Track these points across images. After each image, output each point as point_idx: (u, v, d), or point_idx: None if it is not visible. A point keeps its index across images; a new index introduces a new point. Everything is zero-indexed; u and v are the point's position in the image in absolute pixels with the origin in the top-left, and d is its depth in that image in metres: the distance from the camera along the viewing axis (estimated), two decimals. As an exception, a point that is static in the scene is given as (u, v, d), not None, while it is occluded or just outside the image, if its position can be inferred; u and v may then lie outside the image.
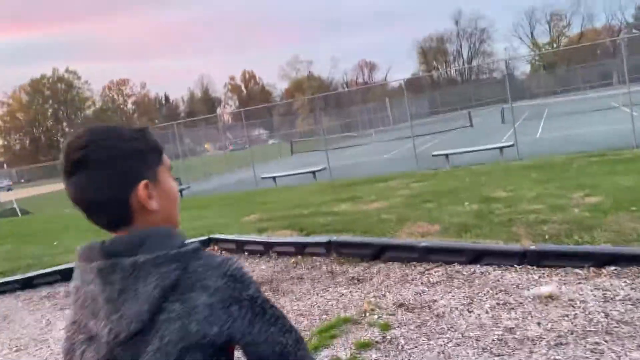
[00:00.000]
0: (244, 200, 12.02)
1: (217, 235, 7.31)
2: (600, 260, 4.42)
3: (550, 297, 4.04)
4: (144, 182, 1.00)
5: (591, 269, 4.41)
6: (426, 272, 5.07)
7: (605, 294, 3.93)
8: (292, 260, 6.14)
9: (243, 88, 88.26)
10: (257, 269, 6.17)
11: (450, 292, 4.51)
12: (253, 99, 78.67)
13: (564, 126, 22.43)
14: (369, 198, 9.09)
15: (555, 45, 63.32)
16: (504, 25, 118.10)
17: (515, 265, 4.78)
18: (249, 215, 9.13)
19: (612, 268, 4.32)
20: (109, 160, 0.98)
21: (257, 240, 6.75)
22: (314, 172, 15.03)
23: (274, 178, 15.54)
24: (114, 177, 0.98)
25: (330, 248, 5.97)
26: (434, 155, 13.86)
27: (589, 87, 49.46)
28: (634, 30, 63.27)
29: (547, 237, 5.03)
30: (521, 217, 5.89)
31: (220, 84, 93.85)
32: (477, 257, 5.03)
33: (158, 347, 0.92)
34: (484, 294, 4.34)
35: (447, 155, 13.52)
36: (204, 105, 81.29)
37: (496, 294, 4.31)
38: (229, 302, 0.96)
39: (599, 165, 9.58)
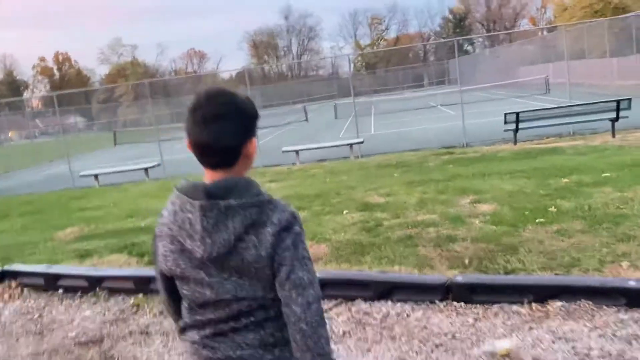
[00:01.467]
0: (56, 206, 9.50)
1: (15, 267, 5.11)
2: (541, 294, 3.52)
3: (509, 356, 2.99)
4: (254, 137, 1.36)
5: (533, 305, 3.49)
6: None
7: (575, 347, 2.99)
8: (132, 301, 4.35)
9: (55, 71, 78.43)
10: (77, 316, 4.26)
11: (369, 352, 3.23)
12: (68, 83, 70.34)
13: (393, 123, 22.99)
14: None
15: (375, 47, 66.97)
16: (330, 25, 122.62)
17: (437, 302, 3.69)
18: (63, 229, 6.92)
19: (559, 304, 3.43)
20: (238, 115, 1.32)
21: (77, 273, 4.78)
22: (146, 169, 12.82)
23: (95, 176, 12.93)
24: (240, 129, 1.32)
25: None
26: (284, 152, 12.64)
27: (406, 87, 53.04)
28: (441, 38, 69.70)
29: (466, 261, 4.04)
30: (419, 231, 4.88)
31: (28, 66, 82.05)
32: (386, 291, 3.85)
33: (239, 265, 1.30)
34: (415, 353, 3.15)
35: (297, 152, 12.42)
36: (8, 89, 70.42)
37: (431, 351, 3.14)
38: (284, 230, 1.29)
39: (456, 164, 9.22)
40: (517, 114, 11.53)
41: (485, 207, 5.47)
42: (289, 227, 1.29)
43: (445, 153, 11.25)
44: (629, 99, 11.00)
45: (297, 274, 1.28)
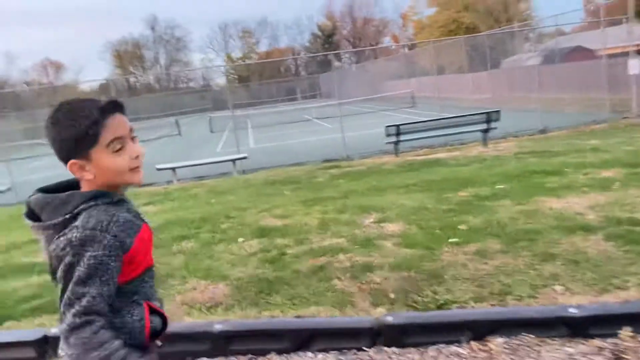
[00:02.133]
0: None
1: None
2: (480, 330, 3.11)
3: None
4: (71, 161, 1.39)
5: (472, 343, 3.07)
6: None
7: (532, 393, 2.60)
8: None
9: None
10: None
11: None
12: None
13: (271, 137, 22.53)
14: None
15: (247, 60, 66.37)
16: (200, 37, 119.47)
17: (365, 349, 3.12)
18: None
19: (500, 340, 3.05)
20: (53, 132, 1.39)
21: None
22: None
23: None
24: (57, 146, 1.40)
25: (45, 350, 3.31)
26: (158, 169, 11.48)
27: (280, 101, 53.09)
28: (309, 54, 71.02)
29: (391, 295, 3.54)
30: (329, 259, 4.31)
31: None
32: (305, 340, 3.21)
33: (61, 268, 1.34)
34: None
35: (174, 169, 11.33)
36: None
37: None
38: (66, 248, 1.33)
39: (346, 179, 8.90)
40: (398, 126, 11.60)
41: (392, 227, 5.06)
42: (72, 246, 1.33)
43: (331, 167, 10.93)
44: (498, 111, 11.57)
45: (69, 294, 1.33)
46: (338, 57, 67.76)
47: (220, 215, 6.56)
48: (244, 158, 11.44)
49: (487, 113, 11.43)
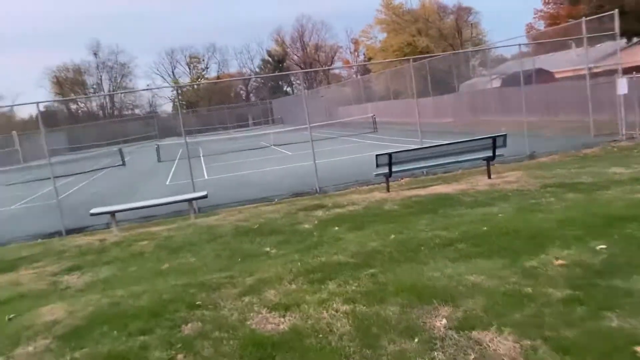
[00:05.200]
0: None
1: None
2: None
3: None
4: None
5: None
6: None
7: None
8: None
9: None
10: None
11: None
12: None
13: (227, 166, 20.04)
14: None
15: (195, 86, 63.43)
16: (145, 62, 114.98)
17: None
18: None
19: None
20: None
21: None
22: None
23: None
24: None
25: None
26: (92, 214, 8.81)
27: (231, 127, 50.49)
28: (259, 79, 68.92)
29: None
30: None
31: None
32: None
33: None
34: None
35: (113, 213, 8.71)
36: None
37: None
38: None
39: (344, 226, 6.64)
40: (390, 155, 9.50)
41: (499, 343, 2.83)
42: None
43: (312, 206, 8.63)
44: (505, 135, 9.70)
45: None
46: (289, 83, 66.11)
47: (179, 302, 4.12)
48: (204, 197, 8.97)
49: (493, 138, 9.52)
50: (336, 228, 6.59)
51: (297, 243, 5.92)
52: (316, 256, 5.02)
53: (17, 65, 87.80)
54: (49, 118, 51.06)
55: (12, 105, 60.12)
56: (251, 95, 65.31)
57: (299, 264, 4.80)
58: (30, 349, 3.50)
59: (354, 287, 3.94)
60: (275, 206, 9.28)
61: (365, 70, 47.73)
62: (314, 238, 6.09)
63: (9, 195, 19.10)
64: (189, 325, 3.60)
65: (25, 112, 60.29)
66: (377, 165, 9.55)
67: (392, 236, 5.53)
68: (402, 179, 11.31)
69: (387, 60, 34.80)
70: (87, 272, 5.84)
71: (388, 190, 9.55)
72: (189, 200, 8.95)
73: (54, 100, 60.62)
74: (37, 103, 11.47)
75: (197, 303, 4.06)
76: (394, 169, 9.64)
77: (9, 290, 5.27)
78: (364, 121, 31.02)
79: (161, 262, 5.80)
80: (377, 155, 9.56)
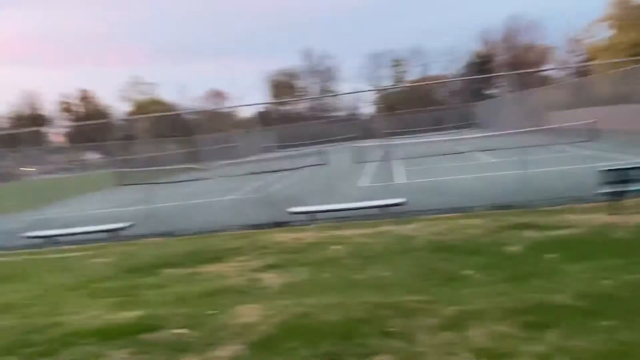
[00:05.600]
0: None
1: None
2: None
3: None
4: None
5: None
6: None
7: None
8: None
9: (78, 108, 77.01)
10: None
11: None
12: (90, 120, 68.62)
13: (423, 170, 19.46)
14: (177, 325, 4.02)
15: (396, 89, 64.07)
16: (351, 67, 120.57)
17: None
18: None
19: None
20: None
21: None
22: (113, 231, 9.37)
23: (48, 237, 9.52)
24: None
25: None
26: (291, 213, 9.12)
27: (429, 131, 49.72)
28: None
29: None
30: None
31: (52, 103, 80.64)
32: None
33: None
34: None
35: (312, 213, 8.88)
36: (33, 124, 68.86)
37: None
38: None
39: (566, 255, 5.61)
40: (623, 171, 7.94)
41: None
42: None
43: (521, 225, 7.60)
44: None
45: None
46: (494, 86, 62.60)
47: (371, 324, 3.78)
48: (401, 204, 8.61)
49: None
50: (552, 255, 5.61)
51: (505, 270, 5.15)
52: (530, 291, 4.24)
53: (241, 70, 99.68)
54: (263, 118, 56.92)
55: (235, 107, 68.14)
56: (451, 98, 63.53)
57: (508, 298, 4.08)
58: (223, 353, 3.50)
59: (584, 344, 3.12)
60: (476, 220, 8.46)
61: (582, 73, 42.65)
62: (526, 266, 5.24)
63: (226, 186, 21.40)
64: (379, 358, 3.21)
65: (245, 113, 68.01)
66: (603, 183, 8.07)
67: (627, 276, 4.43)
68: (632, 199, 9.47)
69: (615, 60, 30.40)
70: (284, 272, 5.91)
71: (615, 214, 8.00)
72: (385, 207, 8.67)
73: (268, 103, 67.07)
74: (256, 104, 12.42)
75: (390, 329, 3.67)
76: (629, 187, 8.04)
77: (214, 283, 5.56)
78: (580, 128, 27.50)
79: (354, 272, 5.58)
80: (603, 170, 8.08)
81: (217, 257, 7.01)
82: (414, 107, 57.12)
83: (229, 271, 6.10)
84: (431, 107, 55.95)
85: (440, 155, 24.36)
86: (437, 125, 53.83)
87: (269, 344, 3.57)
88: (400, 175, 18.58)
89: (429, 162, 21.96)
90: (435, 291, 4.55)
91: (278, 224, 10.69)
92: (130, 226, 9.42)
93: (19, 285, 6.36)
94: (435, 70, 68.07)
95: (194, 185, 24.50)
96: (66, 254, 8.72)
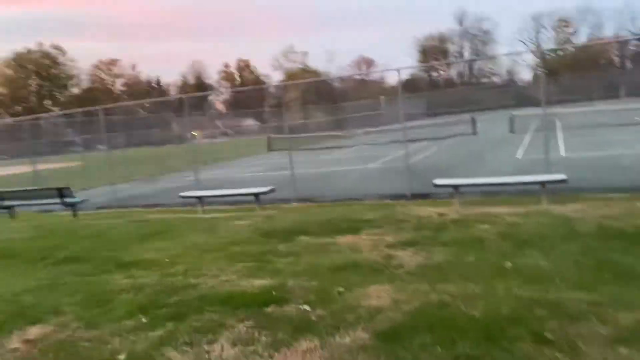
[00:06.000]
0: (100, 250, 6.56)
1: None
2: None
3: None
4: None
5: None
6: None
7: None
8: None
9: (237, 77, 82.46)
10: None
11: None
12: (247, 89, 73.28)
13: (589, 143, 17.15)
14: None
15: (560, 52, 57.76)
16: (508, 29, 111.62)
17: None
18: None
19: None
20: None
21: None
22: (256, 195, 9.62)
23: (199, 198, 10.09)
24: None
25: None
26: (435, 186, 8.48)
27: (598, 98, 44.20)
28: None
29: None
30: None
31: (214, 72, 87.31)
32: None
33: None
34: None
35: (457, 187, 8.16)
36: (197, 91, 75.68)
37: None
38: None
39: None
40: None
41: None
42: None
43: None
44: None
45: None
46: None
47: (522, 325, 3.13)
48: (562, 182, 7.47)
49: None
50: None
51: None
52: None
53: (390, 36, 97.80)
54: (410, 85, 55.25)
55: (377, 71, 67.31)
56: (627, 62, 55.61)
57: None
58: (347, 340, 3.14)
59: None
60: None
61: None
62: None
63: (367, 154, 21.15)
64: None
65: (392, 79, 66.90)
66: None
67: None
68: None
69: None
70: (422, 250, 5.39)
71: None
72: (542, 183, 7.60)
73: (412, 67, 65.00)
74: (398, 70, 11.80)
75: (547, 335, 2.99)
76: None
77: (347, 256, 5.25)
78: None
79: (504, 257, 4.85)
80: None
81: (352, 227, 6.71)
82: (580, 72, 51.13)
83: (363, 244, 5.75)
84: (601, 72, 49.56)
85: (611, 126, 21.38)
86: (609, 92, 47.62)
87: (398, 336, 3.13)
88: (561, 148, 16.62)
89: (598, 133, 19.33)
90: (606, 290, 3.70)
91: (419, 196, 10.10)
92: (270, 191, 9.55)
93: (167, 242, 6.70)
94: (608, 31, 59.90)
95: (338, 152, 24.69)
96: (213, 214, 9.13)
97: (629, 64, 55.18)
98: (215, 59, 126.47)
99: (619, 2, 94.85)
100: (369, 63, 76.85)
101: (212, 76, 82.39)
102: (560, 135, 20.29)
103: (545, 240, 5.35)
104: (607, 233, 5.45)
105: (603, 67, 53.36)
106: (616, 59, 58.83)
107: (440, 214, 7.26)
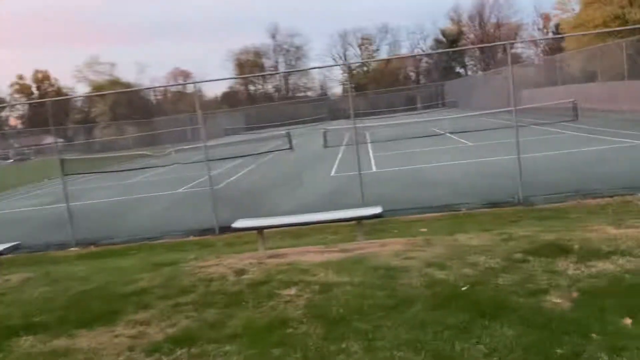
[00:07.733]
0: None
1: None
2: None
3: None
4: None
5: None
6: None
7: None
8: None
9: (35, 89, 72.06)
10: None
11: None
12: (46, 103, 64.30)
13: (397, 156, 17.27)
14: None
15: (365, 68, 61.54)
16: (319, 45, 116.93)
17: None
18: None
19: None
20: None
21: None
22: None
23: None
24: None
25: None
26: (236, 229, 6.72)
27: (399, 111, 47.67)
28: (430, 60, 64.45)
29: None
30: None
31: (4, 84, 75.10)
32: None
33: None
34: None
35: (260, 230, 6.46)
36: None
37: None
38: None
39: None
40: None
41: None
42: None
43: (549, 247, 5.33)
44: None
45: None
46: (463, 64, 60.83)
47: None
48: (378, 217, 6.28)
49: None
50: (625, 321, 3.39)
51: (556, 346, 2.88)
52: None
53: (204, 49, 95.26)
54: (229, 98, 53.65)
55: (195, 82, 64.61)
56: (421, 77, 61.50)
57: None
58: None
59: None
60: (480, 235, 6.19)
61: (554, 50, 41.04)
62: (591, 343, 2.99)
63: (181, 176, 18.84)
64: None
65: (210, 93, 64.57)
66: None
67: None
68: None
69: (588, 32, 28.74)
70: (198, 356, 3.52)
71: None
72: (358, 220, 6.33)
73: (230, 78, 63.76)
74: (216, 80, 9.95)
75: None
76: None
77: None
78: (558, 107, 25.72)
79: (312, 356, 3.23)
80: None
81: (111, 310, 4.58)
82: (383, 86, 54.90)
83: (111, 349, 3.68)
84: (401, 87, 53.83)
85: (413, 138, 22.21)
86: (408, 105, 51.84)
87: None
88: (371, 162, 16.35)
89: (403, 146, 19.69)
90: None
91: (228, 229, 8.29)
92: (14, 247, 6.83)
93: None
94: (404, 49, 65.79)
95: (150, 172, 21.80)
96: None
97: (422, 79, 60.98)
98: (4, 70, 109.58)
99: (412, 22, 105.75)
100: (186, 75, 73.29)
101: (3, 89, 70.91)
102: (370, 149, 20.33)
103: (365, 316, 3.90)
104: (437, 294, 4.21)
105: (403, 82, 58.08)
106: (412, 75, 64.73)
107: (238, 272, 5.48)
